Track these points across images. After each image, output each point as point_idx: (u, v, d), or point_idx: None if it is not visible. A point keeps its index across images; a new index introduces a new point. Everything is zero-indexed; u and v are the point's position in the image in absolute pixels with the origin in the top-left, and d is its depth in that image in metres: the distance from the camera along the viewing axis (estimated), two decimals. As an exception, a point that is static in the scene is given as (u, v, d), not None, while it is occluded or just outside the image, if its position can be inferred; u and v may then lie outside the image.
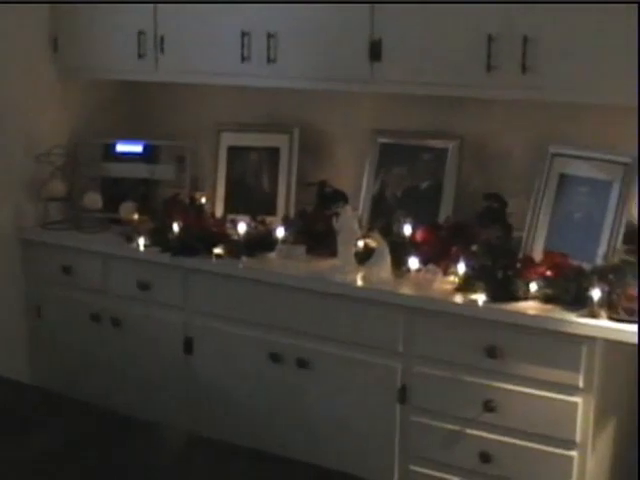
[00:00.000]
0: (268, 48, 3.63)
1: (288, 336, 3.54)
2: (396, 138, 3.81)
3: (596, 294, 3.03)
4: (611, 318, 3.01)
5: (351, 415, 3.47)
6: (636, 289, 3.00)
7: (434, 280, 3.35)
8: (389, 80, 3.49)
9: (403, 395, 3.35)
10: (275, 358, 3.57)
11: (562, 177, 3.40)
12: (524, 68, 3.19)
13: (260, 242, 3.74)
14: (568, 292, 3.12)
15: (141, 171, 4.22)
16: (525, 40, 3.16)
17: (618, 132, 3.40)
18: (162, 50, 3.90)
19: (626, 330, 2.98)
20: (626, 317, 2.99)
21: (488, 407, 3.20)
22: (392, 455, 3.42)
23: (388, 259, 3.42)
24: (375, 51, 3.45)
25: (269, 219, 3.86)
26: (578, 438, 3.09)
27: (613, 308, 3.02)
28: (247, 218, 3.82)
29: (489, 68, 3.25)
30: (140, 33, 3.91)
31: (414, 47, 3.41)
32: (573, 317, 3.05)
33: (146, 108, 4.46)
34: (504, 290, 3.20)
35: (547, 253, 3.30)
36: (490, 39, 3.22)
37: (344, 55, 3.53)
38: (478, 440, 3.25)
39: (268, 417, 3.64)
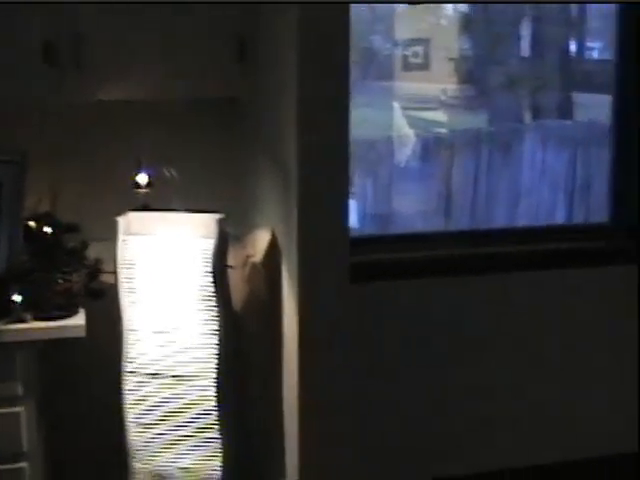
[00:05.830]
0: None
1: None
2: None
3: (18, 298, 2.94)
4: (40, 318, 2.95)
5: None
6: (62, 284, 2.99)
7: None
8: None
9: None
10: None
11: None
12: None
13: None
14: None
15: None
16: None
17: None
18: None
19: (65, 325, 2.95)
20: (58, 313, 2.96)
21: None
22: None
23: None
24: None
25: None
26: (26, 448, 2.98)
27: (42, 307, 2.96)
28: None
29: None
30: None
31: None
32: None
33: None
34: None
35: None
36: None
37: None
38: None
39: None
